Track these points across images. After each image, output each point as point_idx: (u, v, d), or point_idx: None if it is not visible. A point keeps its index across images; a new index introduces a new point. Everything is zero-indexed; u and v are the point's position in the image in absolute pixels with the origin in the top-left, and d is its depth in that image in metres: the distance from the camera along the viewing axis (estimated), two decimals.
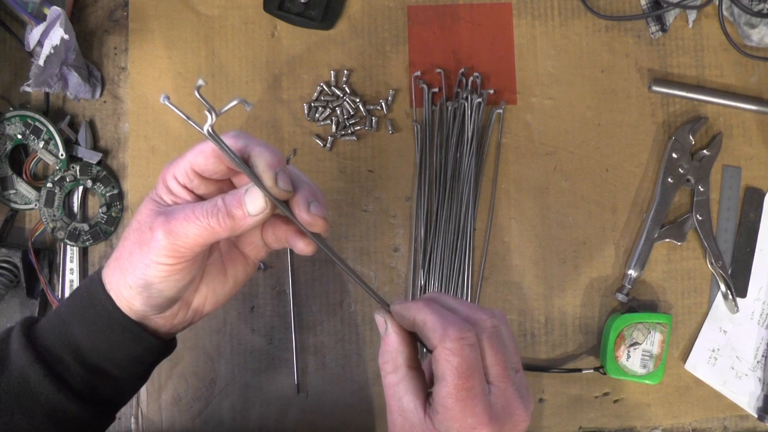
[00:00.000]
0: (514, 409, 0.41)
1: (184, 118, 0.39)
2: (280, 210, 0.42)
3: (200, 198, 0.44)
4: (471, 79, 0.68)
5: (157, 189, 0.44)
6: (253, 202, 0.41)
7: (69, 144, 0.66)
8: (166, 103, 0.38)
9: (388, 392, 0.44)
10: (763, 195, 0.68)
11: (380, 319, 0.45)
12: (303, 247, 0.45)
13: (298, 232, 0.45)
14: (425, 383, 0.44)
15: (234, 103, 0.38)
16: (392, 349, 0.44)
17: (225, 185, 0.45)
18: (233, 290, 0.49)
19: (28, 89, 0.62)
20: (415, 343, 0.45)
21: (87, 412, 0.45)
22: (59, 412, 0.45)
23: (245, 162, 0.41)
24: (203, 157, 0.42)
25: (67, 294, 0.66)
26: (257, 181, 0.40)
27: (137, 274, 0.43)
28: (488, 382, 0.41)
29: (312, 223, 0.42)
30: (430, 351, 0.42)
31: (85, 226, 0.66)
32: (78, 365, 0.45)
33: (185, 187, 0.43)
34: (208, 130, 0.38)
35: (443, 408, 0.40)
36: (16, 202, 0.66)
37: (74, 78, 0.64)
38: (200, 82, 0.37)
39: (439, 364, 0.40)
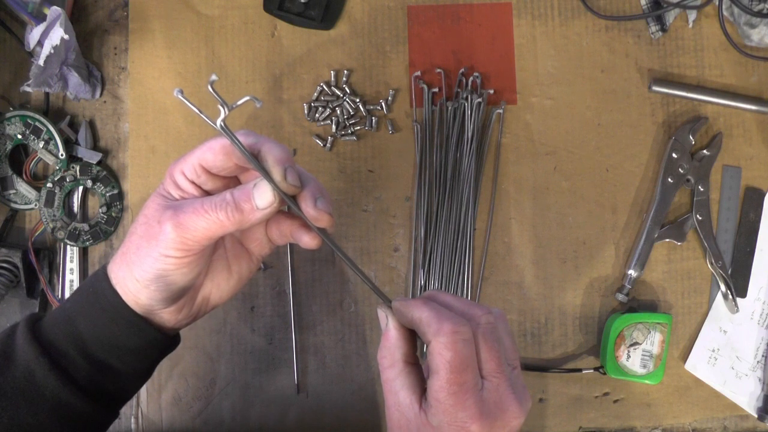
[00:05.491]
0: (508, 405, 0.41)
1: (197, 112, 0.40)
2: (288, 204, 0.43)
3: (207, 193, 0.45)
4: (471, 79, 0.68)
5: (164, 184, 0.45)
6: (262, 196, 0.42)
7: (69, 144, 0.66)
8: (180, 97, 0.39)
9: (386, 387, 0.44)
10: (763, 195, 0.68)
11: (382, 314, 0.45)
12: (308, 240, 0.46)
13: (304, 226, 0.46)
14: (422, 380, 0.44)
15: (245, 99, 0.39)
16: (391, 344, 0.44)
17: (231, 182, 0.46)
18: (237, 286, 0.50)
19: (28, 89, 0.62)
20: (415, 340, 0.45)
21: (91, 406, 0.46)
22: (64, 407, 0.45)
23: (255, 157, 0.42)
24: (212, 154, 0.43)
25: (67, 294, 0.66)
26: (267, 175, 0.41)
27: (145, 267, 0.43)
28: (482, 378, 0.42)
29: (318, 217, 0.43)
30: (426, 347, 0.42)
31: (85, 226, 0.66)
32: (83, 360, 0.45)
33: (192, 183, 0.44)
34: (220, 125, 0.39)
35: (435, 401, 0.41)
36: (16, 202, 0.66)
37: (74, 78, 0.64)
38: (213, 77, 0.39)
39: (433, 358, 0.41)
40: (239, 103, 0.40)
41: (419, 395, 0.43)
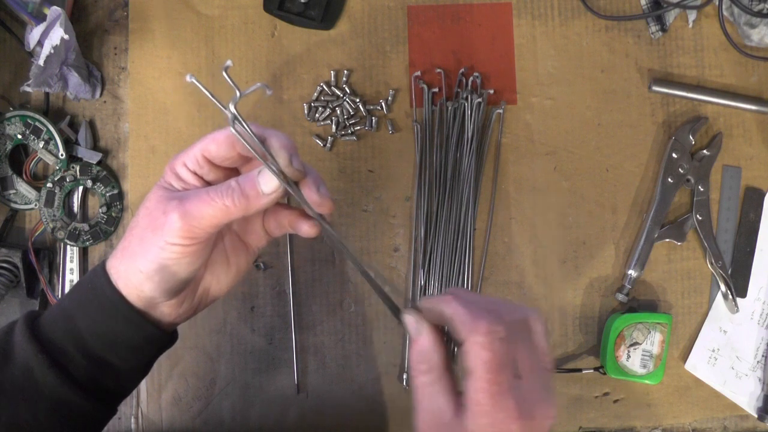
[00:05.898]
0: (542, 405, 0.41)
1: (209, 96, 0.41)
2: (292, 190, 0.44)
3: (208, 184, 0.46)
4: (471, 79, 0.67)
5: (165, 177, 0.46)
6: (267, 182, 0.43)
7: (69, 144, 0.66)
8: (193, 80, 0.41)
9: (420, 392, 0.43)
10: (763, 195, 0.68)
11: (411, 319, 0.45)
12: (307, 229, 0.47)
13: (302, 215, 0.47)
14: (456, 383, 0.43)
15: (257, 86, 0.41)
16: (427, 349, 0.44)
17: (233, 173, 0.47)
18: (236, 278, 0.51)
19: (28, 89, 0.62)
20: (446, 342, 0.45)
21: (90, 403, 0.46)
22: (63, 404, 0.45)
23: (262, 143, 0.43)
24: (216, 145, 0.44)
25: None
26: (273, 159, 0.43)
27: (149, 257, 0.44)
28: (516, 377, 0.41)
29: (321, 203, 0.45)
30: (458, 345, 0.42)
31: (85, 226, 0.66)
32: (81, 356, 0.46)
33: (194, 174, 0.45)
34: (232, 109, 0.41)
35: (475, 404, 0.40)
36: (16, 202, 0.66)
37: (74, 78, 0.64)
38: (228, 62, 0.40)
39: (470, 358, 0.40)
40: (250, 90, 0.41)
41: (456, 400, 0.42)
